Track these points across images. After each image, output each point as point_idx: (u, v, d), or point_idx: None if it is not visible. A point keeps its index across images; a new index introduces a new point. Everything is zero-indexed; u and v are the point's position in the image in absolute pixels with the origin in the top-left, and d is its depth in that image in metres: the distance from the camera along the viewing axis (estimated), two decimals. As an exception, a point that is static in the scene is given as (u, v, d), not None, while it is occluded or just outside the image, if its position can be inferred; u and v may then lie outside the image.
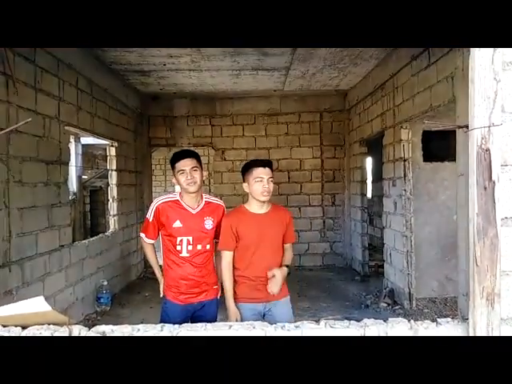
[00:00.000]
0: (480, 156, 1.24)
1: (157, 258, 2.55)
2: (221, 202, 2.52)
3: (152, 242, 2.48)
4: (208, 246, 2.40)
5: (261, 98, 6.91)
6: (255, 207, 2.36)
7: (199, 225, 2.37)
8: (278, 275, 2.25)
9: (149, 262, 2.63)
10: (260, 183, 2.28)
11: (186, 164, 2.32)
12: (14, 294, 3.19)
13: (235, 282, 2.36)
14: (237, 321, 2.26)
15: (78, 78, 4.38)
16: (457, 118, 3.23)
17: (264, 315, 2.33)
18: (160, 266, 2.53)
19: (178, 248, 2.35)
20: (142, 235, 2.50)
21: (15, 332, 1.23)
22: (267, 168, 2.31)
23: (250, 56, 4.87)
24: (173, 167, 2.38)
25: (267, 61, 5.08)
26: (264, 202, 2.33)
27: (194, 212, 2.38)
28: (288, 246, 2.45)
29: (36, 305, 1.21)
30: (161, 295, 2.46)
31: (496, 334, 1.22)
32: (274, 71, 5.55)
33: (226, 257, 2.35)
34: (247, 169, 2.35)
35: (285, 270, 2.32)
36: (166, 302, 2.40)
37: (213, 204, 2.46)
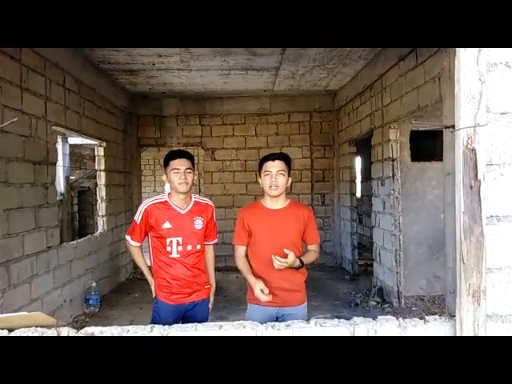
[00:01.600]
0: (466, 155, 1.26)
1: (145, 260, 2.51)
2: (210, 202, 2.53)
3: (138, 244, 2.43)
4: (198, 246, 2.39)
5: (251, 97, 6.91)
6: (269, 202, 2.27)
7: (189, 225, 2.36)
8: (290, 258, 2.05)
9: (137, 264, 2.58)
10: (268, 177, 2.21)
11: (180, 164, 2.31)
12: (0, 297, 3.14)
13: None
14: (262, 291, 2.10)
15: (65, 77, 4.32)
16: (443, 118, 3.28)
17: (277, 319, 2.19)
18: (149, 267, 2.50)
19: (168, 249, 2.33)
20: (128, 238, 2.45)
21: (2, 335, 1.21)
22: (277, 161, 2.21)
23: (240, 56, 4.86)
24: (166, 165, 2.36)
25: (257, 61, 5.08)
26: (274, 196, 2.23)
27: (183, 212, 2.37)
28: (312, 247, 2.29)
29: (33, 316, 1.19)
30: (153, 296, 2.43)
31: (482, 330, 1.25)
32: (264, 71, 5.56)
33: (239, 250, 2.29)
34: (260, 163, 2.29)
35: (297, 261, 2.11)
36: (158, 302, 2.39)
37: (202, 204, 2.46)
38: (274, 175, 2.20)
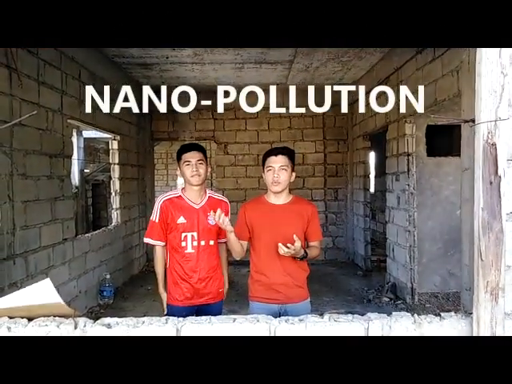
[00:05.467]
0: (486, 150, 1.24)
1: (164, 272, 2.41)
2: (224, 199, 2.51)
3: (162, 244, 2.38)
4: (211, 242, 2.38)
5: (264, 91, 6.86)
6: (272, 198, 2.23)
7: (203, 220, 2.36)
8: (297, 245, 1.99)
9: (156, 271, 2.43)
10: (270, 172, 2.17)
11: (192, 156, 2.32)
12: (18, 287, 3.22)
13: (251, 277, 2.27)
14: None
15: (80, 71, 4.37)
16: (462, 113, 3.21)
17: (280, 315, 2.08)
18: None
19: (183, 244, 2.33)
20: (149, 240, 2.38)
21: (22, 323, 1.24)
22: (280, 156, 2.16)
23: (253, 49, 4.84)
24: (179, 158, 2.37)
25: (270, 54, 5.05)
26: (276, 192, 2.20)
27: (197, 207, 2.37)
28: (314, 243, 2.25)
29: (42, 290, 1.22)
30: (164, 312, 2.36)
31: (500, 328, 1.23)
32: (278, 65, 5.52)
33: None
34: (263, 158, 2.25)
35: (302, 250, 2.06)
36: (172, 307, 2.36)
37: (215, 199, 2.45)
38: (277, 171, 2.15)
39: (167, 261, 2.42)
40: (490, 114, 1.23)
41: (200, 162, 2.32)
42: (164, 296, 2.41)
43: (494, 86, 1.23)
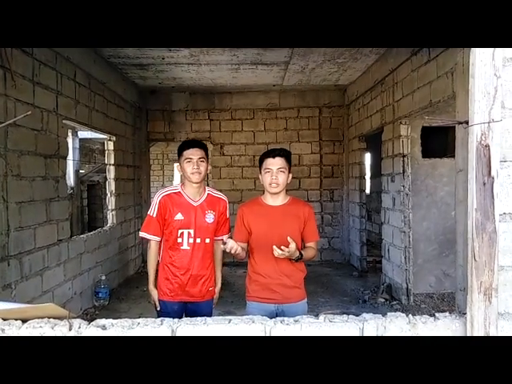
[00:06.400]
0: (479, 152, 1.24)
1: (155, 269, 2.43)
2: (223, 197, 2.50)
3: (158, 239, 2.38)
4: (208, 240, 2.39)
5: (260, 92, 6.89)
6: (269, 199, 2.27)
7: (200, 217, 2.36)
8: (292, 247, 2.02)
9: (148, 268, 2.45)
10: (268, 174, 2.20)
11: (194, 153, 2.32)
12: (12, 288, 3.20)
13: (249, 277, 2.29)
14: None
15: (75, 71, 4.35)
16: (456, 114, 3.23)
17: (277, 315, 2.13)
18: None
19: (179, 240, 2.33)
20: (145, 235, 2.38)
21: (16, 325, 1.23)
22: (277, 158, 2.20)
23: (250, 50, 4.85)
24: (180, 155, 2.36)
25: (266, 55, 5.06)
26: (274, 193, 2.23)
27: (195, 204, 2.37)
28: (311, 244, 2.28)
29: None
30: (158, 308, 2.38)
31: (493, 328, 1.23)
32: (274, 66, 5.53)
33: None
34: (260, 160, 2.28)
35: (297, 252, 2.08)
36: (164, 302, 2.37)
37: (215, 197, 2.45)
38: (275, 172, 2.19)
39: (160, 256, 2.43)
40: (483, 115, 1.24)
41: (201, 159, 2.33)
42: (154, 293, 2.40)
43: (487, 87, 1.24)
